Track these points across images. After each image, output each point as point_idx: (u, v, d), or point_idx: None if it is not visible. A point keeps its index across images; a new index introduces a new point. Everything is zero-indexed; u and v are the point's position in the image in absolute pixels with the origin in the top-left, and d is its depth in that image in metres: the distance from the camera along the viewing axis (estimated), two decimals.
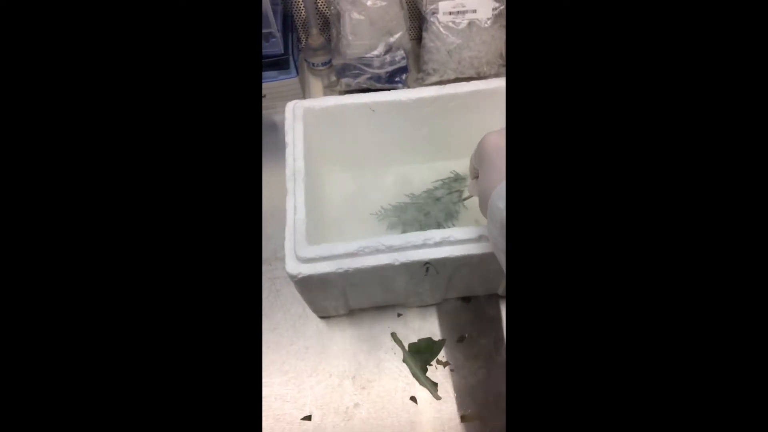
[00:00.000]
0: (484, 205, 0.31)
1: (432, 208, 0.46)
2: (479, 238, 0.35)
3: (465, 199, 0.44)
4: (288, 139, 0.41)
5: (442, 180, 0.48)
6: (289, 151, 0.40)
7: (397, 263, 0.34)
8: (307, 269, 0.34)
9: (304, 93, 0.60)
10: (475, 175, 0.36)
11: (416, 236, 0.34)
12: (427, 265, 0.35)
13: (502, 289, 0.44)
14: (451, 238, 0.34)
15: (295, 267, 0.34)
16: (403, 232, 0.47)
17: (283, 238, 0.36)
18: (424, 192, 0.48)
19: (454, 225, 0.47)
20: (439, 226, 0.46)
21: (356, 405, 0.41)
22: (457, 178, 0.47)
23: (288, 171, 0.39)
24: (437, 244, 0.34)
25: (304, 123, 0.41)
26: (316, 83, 0.62)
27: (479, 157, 0.32)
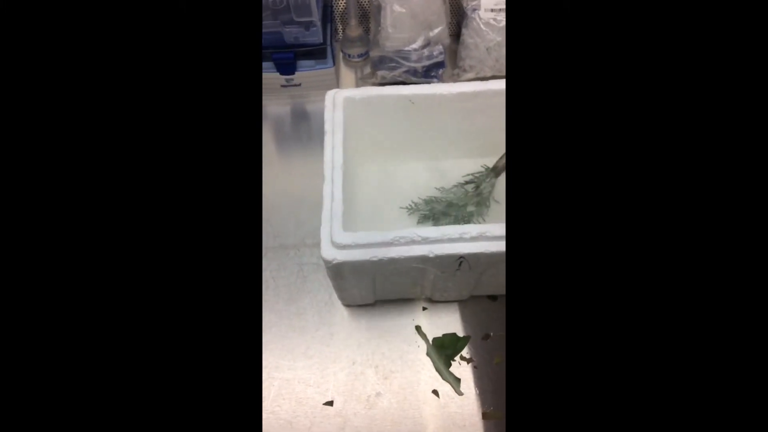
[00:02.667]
0: None
1: (462, 202, 0.46)
2: None
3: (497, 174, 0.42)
4: (327, 127, 0.41)
5: (473, 174, 0.47)
6: (327, 139, 0.41)
7: (431, 255, 0.34)
8: (342, 255, 0.34)
9: (338, 84, 0.61)
10: None
11: (453, 229, 0.34)
12: (460, 260, 0.35)
13: None
14: (488, 234, 0.34)
15: (330, 253, 0.35)
16: (434, 223, 0.47)
17: (314, 225, 0.37)
18: (455, 186, 0.48)
19: (484, 220, 0.47)
20: (469, 220, 0.46)
21: (378, 394, 0.42)
22: (489, 173, 0.47)
23: (326, 158, 0.39)
24: (474, 239, 0.34)
25: (343, 112, 0.42)
26: (348, 75, 0.62)
27: None
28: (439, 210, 0.47)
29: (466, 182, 0.46)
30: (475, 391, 0.42)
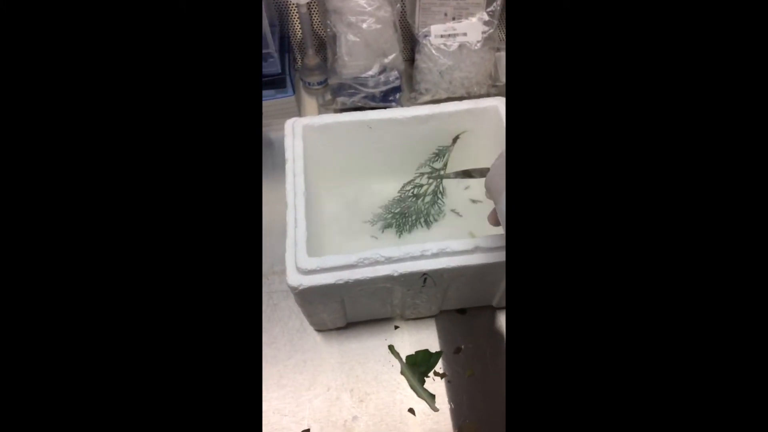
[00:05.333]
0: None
1: (418, 199, 0.49)
2: (475, 250, 0.36)
3: (446, 176, 0.46)
4: (288, 155, 0.42)
5: (425, 162, 0.49)
6: (289, 166, 0.41)
7: (395, 274, 0.35)
8: (308, 281, 0.35)
9: (300, 111, 0.62)
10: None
11: (414, 248, 0.35)
12: (424, 276, 0.36)
13: (496, 300, 0.46)
14: (448, 250, 0.36)
15: (296, 279, 0.35)
16: (398, 229, 0.49)
17: (281, 252, 0.37)
18: (409, 184, 0.50)
19: (443, 203, 0.50)
20: (428, 215, 0.49)
21: (354, 418, 0.42)
22: (439, 152, 0.48)
23: (288, 186, 0.40)
24: (435, 256, 0.36)
25: (303, 139, 0.43)
26: (311, 102, 0.64)
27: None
28: (398, 211, 0.49)
29: (418, 176, 0.48)
30: (450, 405, 0.42)
